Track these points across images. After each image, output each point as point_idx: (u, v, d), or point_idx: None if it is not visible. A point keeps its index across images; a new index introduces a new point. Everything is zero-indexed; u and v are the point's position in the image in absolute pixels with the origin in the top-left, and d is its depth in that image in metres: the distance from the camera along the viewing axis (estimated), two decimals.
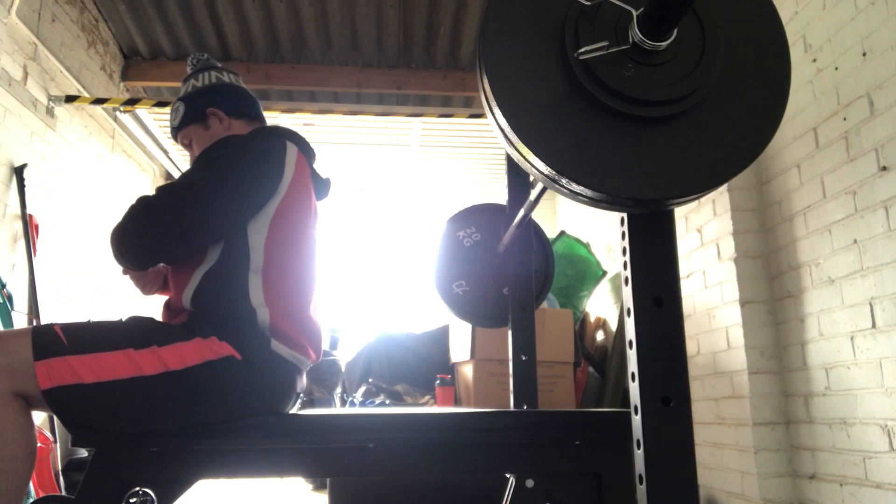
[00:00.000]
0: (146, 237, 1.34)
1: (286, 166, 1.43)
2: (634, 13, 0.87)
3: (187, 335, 1.27)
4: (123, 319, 1.34)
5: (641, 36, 0.87)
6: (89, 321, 1.31)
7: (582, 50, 0.87)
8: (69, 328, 1.24)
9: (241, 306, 1.33)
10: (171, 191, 1.35)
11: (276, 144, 1.45)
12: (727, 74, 0.93)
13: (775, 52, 0.96)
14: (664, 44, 0.88)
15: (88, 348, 1.21)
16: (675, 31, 0.89)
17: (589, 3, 0.89)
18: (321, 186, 1.66)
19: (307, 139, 1.63)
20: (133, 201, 1.37)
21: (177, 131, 1.63)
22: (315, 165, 1.65)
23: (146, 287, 1.61)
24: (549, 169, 0.88)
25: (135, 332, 1.26)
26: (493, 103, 0.89)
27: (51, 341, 1.20)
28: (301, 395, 1.51)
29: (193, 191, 1.33)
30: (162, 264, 1.56)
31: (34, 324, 3.38)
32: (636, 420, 0.97)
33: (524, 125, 0.88)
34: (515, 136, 0.88)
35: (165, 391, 1.21)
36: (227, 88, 1.63)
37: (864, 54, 2.31)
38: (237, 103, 1.62)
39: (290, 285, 1.41)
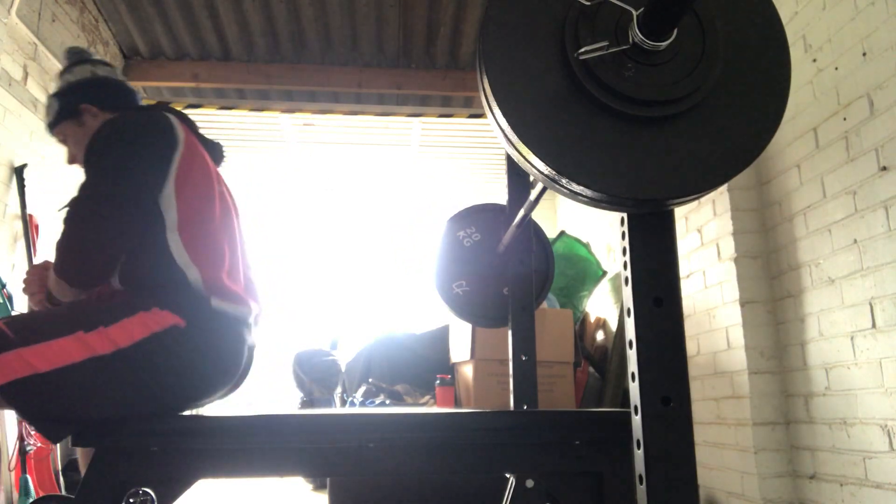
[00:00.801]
0: (84, 270, 1.32)
1: (175, 128, 1.42)
2: (634, 13, 0.87)
3: (129, 311, 1.25)
4: (62, 305, 1.33)
5: (641, 36, 0.87)
6: (30, 312, 1.30)
7: (582, 50, 0.87)
8: (12, 321, 1.23)
9: (170, 269, 1.32)
10: (79, 220, 1.32)
11: (154, 114, 1.43)
12: (727, 74, 0.93)
13: (775, 53, 0.96)
14: (664, 44, 0.88)
15: (38, 338, 1.19)
16: (675, 31, 0.89)
17: (589, 3, 0.89)
18: (214, 151, 1.63)
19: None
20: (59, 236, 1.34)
21: (51, 128, 1.60)
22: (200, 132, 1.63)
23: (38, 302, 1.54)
24: (549, 169, 0.88)
25: (80, 316, 1.25)
26: (493, 103, 0.89)
27: None
28: (253, 348, 1.50)
29: (98, 208, 1.31)
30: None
31: None
32: (636, 420, 0.97)
33: (524, 125, 0.88)
34: (515, 136, 0.88)
35: (120, 369, 1.20)
36: (101, 82, 1.60)
37: (864, 54, 2.31)
38: (112, 97, 1.59)
39: (212, 240, 1.39)
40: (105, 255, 1.31)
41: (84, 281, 1.33)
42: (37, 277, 1.47)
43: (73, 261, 1.32)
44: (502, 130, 0.91)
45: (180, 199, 1.37)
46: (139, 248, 1.34)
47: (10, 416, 3.05)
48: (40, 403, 1.18)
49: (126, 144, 1.34)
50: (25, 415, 1.19)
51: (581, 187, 0.89)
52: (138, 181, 1.33)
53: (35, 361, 1.16)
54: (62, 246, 1.33)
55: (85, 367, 1.18)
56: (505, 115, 0.88)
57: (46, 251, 3.67)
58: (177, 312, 1.28)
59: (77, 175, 1.38)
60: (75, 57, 1.65)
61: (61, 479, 3.07)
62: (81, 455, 2.01)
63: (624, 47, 0.88)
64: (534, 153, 0.87)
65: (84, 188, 1.34)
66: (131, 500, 1.20)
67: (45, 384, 1.16)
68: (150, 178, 1.35)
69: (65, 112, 1.56)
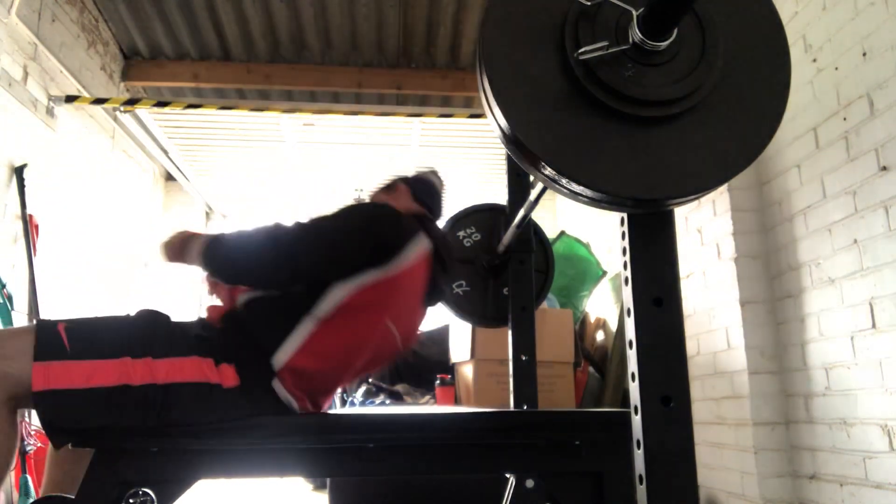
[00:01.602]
0: (248, 272, 1.39)
1: (404, 253, 1.45)
2: (634, 13, 0.87)
3: (188, 350, 1.27)
4: (132, 315, 1.33)
5: (642, 36, 0.87)
6: (95, 318, 1.30)
7: (582, 50, 0.87)
8: (73, 329, 1.24)
9: (275, 335, 1.33)
10: (283, 233, 1.38)
11: (409, 229, 1.49)
12: (727, 74, 0.93)
13: (775, 53, 0.96)
14: (664, 44, 0.88)
15: (88, 353, 1.21)
16: (675, 31, 0.89)
17: (589, 3, 0.89)
18: (434, 296, 1.67)
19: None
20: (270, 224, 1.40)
21: (384, 186, 1.78)
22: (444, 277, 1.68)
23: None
24: (550, 169, 0.88)
25: (137, 338, 1.26)
26: (493, 103, 0.89)
27: (53, 343, 1.20)
28: None
29: (305, 236, 1.37)
30: None
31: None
32: (636, 420, 0.97)
33: (524, 125, 0.88)
34: (515, 136, 0.88)
35: (140, 399, 1.21)
36: (425, 180, 1.80)
37: (864, 54, 2.31)
38: (422, 192, 1.74)
39: (335, 351, 1.39)
40: (266, 275, 1.37)
41: (237, 279, 1.41)
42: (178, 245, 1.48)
43: (248, 260, 1.37)
44: (502, 131, 0.91)
45: (351, 304, 1.38)
46: (279, 300, 1.37)
47: None
48: (63, 415, 1.19)
49: (372, 221, 1.43)
50: (44, 422, 1.20)
51: (581, 187, 0.89)
52: (342, 253, 1.38)
53: (76, 377, 1.18)
54: (253, 242, 1.37)
55: (113, 391, 1.19)
56: (505, 115, 0.87)
57: (46, 251, 3.68)
58: (238, 370, 1.28)
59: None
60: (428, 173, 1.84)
61: None
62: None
63: (624, 47, 0.88)
64: (534, 153, 0.87)
65: (317, 218, 1.41)
66: (131, 500, 1.20)
67: (75, 399, 1.18)
68: (348, 262, 1.39)
69: (393, 181, 1.76)
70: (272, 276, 1.37)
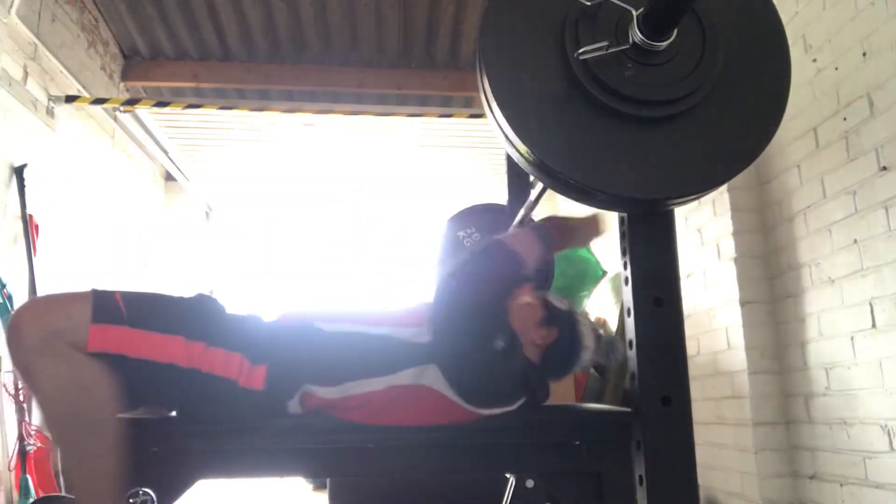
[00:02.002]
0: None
1: None
2: (635, 13, 0.87)
3: (236, 346, 1.24)
4: (188, 296, 1.31)
5: (642, 36, 0.87)
6: (153, 293, 1.29)
7: (582, 50, 0.87)
8: (129, 297, 1.22)
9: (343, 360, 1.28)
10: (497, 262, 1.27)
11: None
12: (727, 75, 0.93)
13: (775, 53, 0.96)
14: (664, 44, 0.88)
15: (146, 324, 1.20)
16: (676, 31, 0.89)
17: (589, 4, 0.89)
18: None
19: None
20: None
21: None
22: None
23: None
24: (550, 169, 0.88)
25: (193, 320, 1.24)
26: (494, 103, 0.89)
27: (111, 307, 1.19)
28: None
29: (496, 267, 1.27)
30: None
31: None
32: (636, 420, 0.97)
33: (524, 125, 0.88)
34: (515, 136, 0.88)
35: (180, 382, 1.20)
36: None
37: (864, 54, 2.31)
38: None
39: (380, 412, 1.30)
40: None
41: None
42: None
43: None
44: (502, 130, 0.91)
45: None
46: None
47: (10, 416, 3.05)
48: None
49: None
50: None
51: (581, 187, 0.89)
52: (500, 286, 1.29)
53: (131, 345, 1.17)
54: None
55: (160, 368, 1.18)
56: (505, 115, 0.87)
57: (46, 251, 3.67)
58: (268, 374, 1.24)
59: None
60: None
61: (61, 478, 3.06)
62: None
63: (624, 47, 0.88)
64: (534, 153, 0.87)
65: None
66: (131, 500, 1.20)
67: (124, 367, 1.17)
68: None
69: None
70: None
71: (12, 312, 1.19)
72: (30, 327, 1.14)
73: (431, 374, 1.24)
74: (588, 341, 1.35)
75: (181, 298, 1.31)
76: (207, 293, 1.36)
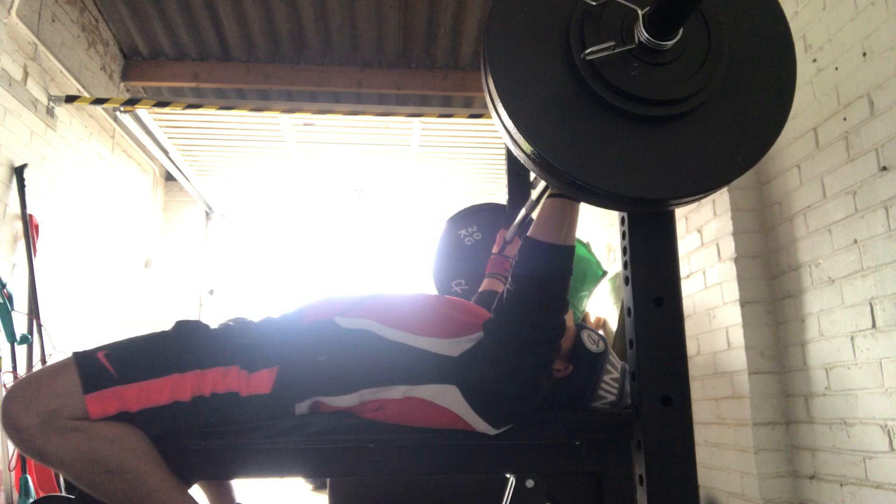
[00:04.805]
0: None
1: None
2: (640, 13, 0.87)
3: (231, 359, 1.25)
4: (169, 329, 1.30)
5: (647, 35, 0.87)
6: (131, 339, 1.28)
7: (588, 50, 0.87)
8: (113, 354, 1.21)
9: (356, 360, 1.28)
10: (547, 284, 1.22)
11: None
12: (732, 74, 0.93)
13: (780, 53, 0.95)
14: (670, 43, 0.88)
15: (135, 376, 1.19)
16: (681, 30, 0.89)
17: (594, 3, 0.88)
18: None
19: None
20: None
21: None
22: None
23: None
24: (554, 168, 0.87)
25: (182, 351, 1.24)
26: (498, 103, 0.88)
27: (98, 372, 1.18)
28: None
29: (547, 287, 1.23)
30: None
31: (34, 324, 3.38)
32: (636, 420, 0.97)
33: (529, 125, 0.87)
34: (521, 136, 0.87)
35: (191, 411, 1.21)
36: None
37: (864, 54, 2.31)
38: None
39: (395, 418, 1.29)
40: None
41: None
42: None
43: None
44: (507, 130, 0.91)
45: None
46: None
47: None
48: None
49: None
50: None
51: (585, 187, 0.88)
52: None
53: (129, 401, 1.17)
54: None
55: (164, 410, 1.19)
56: (510, 115, 0.87)
57: (46, 251, 3.67)
58: (277, 378, 1.24)
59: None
60: None
61: (61, 478, 3.06)
62: None
63: (630, 47, 0.88)
64: (539, 153, 0.87)
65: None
66: None
67: (131, 421, 1.18)
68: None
69: None
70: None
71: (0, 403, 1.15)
72: (24, 418, 1.12)
73: (451, 395, 1.23)
74: (607, 391, 1.34)
75: (162, 334, 1.30)
76: (187, 319, 1.36)
